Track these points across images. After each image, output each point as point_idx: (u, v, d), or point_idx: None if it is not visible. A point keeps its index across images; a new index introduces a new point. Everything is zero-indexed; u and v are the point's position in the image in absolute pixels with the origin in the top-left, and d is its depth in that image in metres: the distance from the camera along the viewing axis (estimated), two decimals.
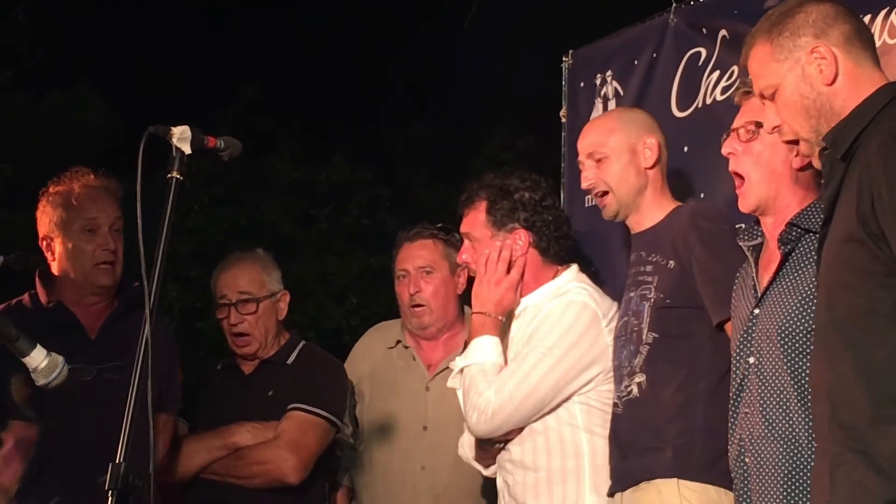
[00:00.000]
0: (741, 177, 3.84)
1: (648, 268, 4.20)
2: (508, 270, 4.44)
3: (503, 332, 4.46)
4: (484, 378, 4.32)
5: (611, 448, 4.26)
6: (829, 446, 3.10)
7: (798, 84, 3.26)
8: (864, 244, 3.04)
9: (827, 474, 3.09)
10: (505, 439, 4.42)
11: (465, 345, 4.49)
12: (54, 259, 4.59)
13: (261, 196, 12.56)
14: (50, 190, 4.62)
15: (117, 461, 3.18)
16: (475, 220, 4.52)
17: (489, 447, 4.48)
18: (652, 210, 4.31)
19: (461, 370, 4.40)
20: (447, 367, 5.04)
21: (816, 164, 3.31)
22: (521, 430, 4.38)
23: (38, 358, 3.50)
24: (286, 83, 12.56)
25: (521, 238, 4.47)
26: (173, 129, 3.41)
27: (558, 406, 4.35)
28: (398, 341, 5.19)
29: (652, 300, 4.15)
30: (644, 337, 4.15)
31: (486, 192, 4.52)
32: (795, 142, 3.34)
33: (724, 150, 3.88)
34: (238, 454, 4.87)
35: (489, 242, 4.48)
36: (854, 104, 3.19)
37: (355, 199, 12.66)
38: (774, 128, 3.37)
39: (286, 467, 4.85)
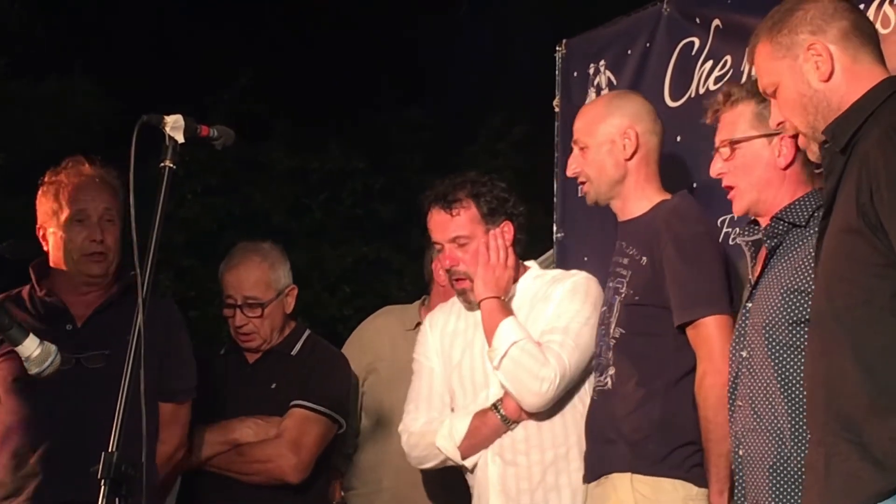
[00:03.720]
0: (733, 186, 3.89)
1: (625, 261, 4.25)
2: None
3: None
4: (540, 351, 4.36)
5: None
6: (824, 436, 3.10)
7: (796, 81, 3.28)
8: (863, 235, 3.05)
9: (822, 464, 3.09)
10: (520, 420, 4.43)
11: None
12: (48, 249, 4.59)
13: (255, 184, 12.55)
14: (46, 179, 4.61)
15: (110, 450, 3.17)
16: (466, 220, 4.53)
17: (499, 431, 4.45)
18: (636, 200, 4.32)
19: (506, 351, 4.38)
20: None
21: (812, 156, 3.34)
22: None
23: (30, 347, 3.50)
24: (281, 70, 12.55)
25: (507, 228, 4.53)
26: (166, 117, 3.40)
27: (582, 380, 4.42)
28: (418, 324, 5.20)
29: (623, 295, 4.19)
30: (612, 331, 4.20)
31: (466, 190, 4.55)
32: (797, 136, 3.37)
33: (713, 173, 3.93)
34: (239, 450, 4.85)
35: (482, 237, 4.51)
36: (853, 99, 3.21)
37: (349, 187, 12.65)
38: (779, 124, 3.39)
39: (287, 466, 4.83)
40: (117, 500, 3.15)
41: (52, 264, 4.57)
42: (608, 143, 4.32)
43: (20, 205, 11.74)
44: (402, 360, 5.10)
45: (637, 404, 4.10)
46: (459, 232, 4.54)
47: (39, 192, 4.60)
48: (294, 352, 5.05)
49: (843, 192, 3.13)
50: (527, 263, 4.64)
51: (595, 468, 4.20)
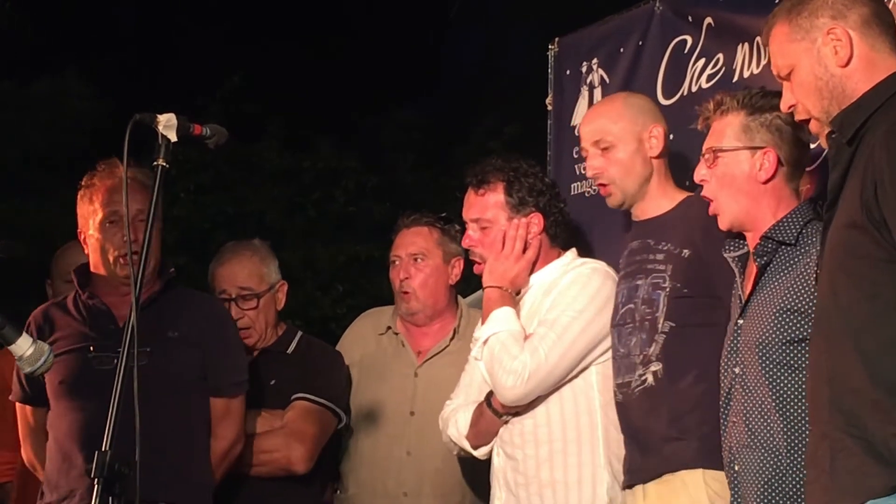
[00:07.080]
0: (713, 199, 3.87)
1: (660, 256, 4.17)
2: (524, 250, 4.47)
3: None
4: (516, 343, 4.32)
5: (625, 439, 4.22)
6: (829, 431, 3.10)
7: (812, 65, 3.27)
8: (867, 230, 3.04)
9: (827, 458, 3.09)
10: (515, 412, 4.42)
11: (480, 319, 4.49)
12: (88, 253, 4.62)
13: (247, 184, 12.56)
14: (83, 184, 4.64)
15: (103, 449, 3.17)
16: (490, 203, 4.51)
17: (494, 422, 4.46)
18: (657, 198, 4.29)
19: (485, 340, 4.38)
20: (436, 354, 5.07)
21: (824, 144, 3.33)
22: (532, 402, 4.38)
23: (23, 346, 3.49)
24: (273, 70, 12.56)
25: (535, 221, 4.49)
26: (159, 116, 3.41)
27: (577, 375, 4.36)
28: (388, 327, 5.19)
29: (668, 289, 4.11)
30: (660, 326, 4.11)
31: (501, 174, 4.51)
32: (807, 121, 3.35)
33: (696, 179, 3.91)
34: (245, 442, 4.86)
35: (504, 225, 4.48)
36: (865, 88, 3.20)
37: (342, 186, 12.66)
38: (790, 107, 3.37)
39: (294, 456, 4.84)
40: (111, 499, 3.16)
41: (91, 268, 4.60)
42: (635, 141, 4.28)
43: (13, 205, 11.77)
44: (369, 364, 5.12)
45: (700, 399, 4.01)
46: (480, 214, 4.53)
47: (77, 198, 4.62)
48: (290, 350, 5.07)
49: (849, 186, 3.13)
50: (567, 253, 4.56)
51: (652, 469, 4.09)
